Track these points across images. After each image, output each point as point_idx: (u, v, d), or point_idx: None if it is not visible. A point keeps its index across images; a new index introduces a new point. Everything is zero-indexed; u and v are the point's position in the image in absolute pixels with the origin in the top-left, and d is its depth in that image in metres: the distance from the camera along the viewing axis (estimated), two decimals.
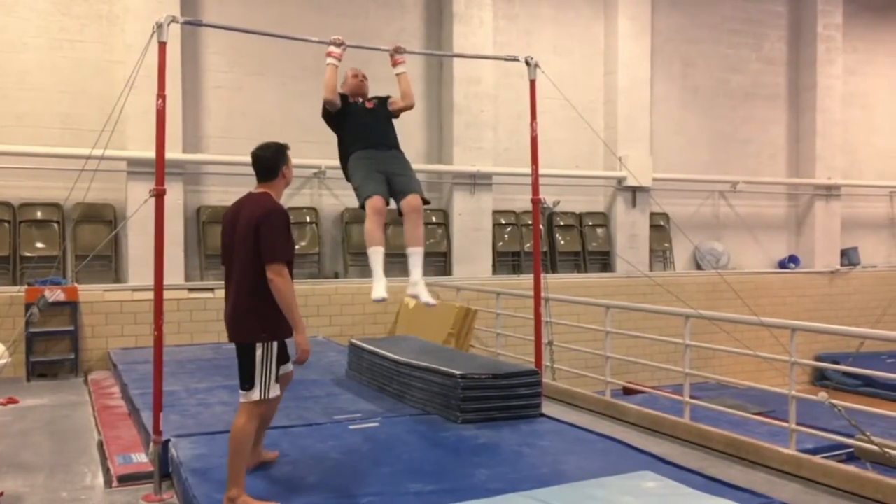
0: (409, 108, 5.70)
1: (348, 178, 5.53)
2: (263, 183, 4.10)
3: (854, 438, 5.72)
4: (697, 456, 5.19)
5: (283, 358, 4.11)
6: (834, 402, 4.82)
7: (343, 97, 5.53)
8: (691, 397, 6.46)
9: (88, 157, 5.30)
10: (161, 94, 4.44)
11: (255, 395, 3.89)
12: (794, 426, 5.22)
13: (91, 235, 8.88)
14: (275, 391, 3.98)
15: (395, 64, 5.68)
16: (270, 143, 4.16)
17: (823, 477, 4.63)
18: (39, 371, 8.27)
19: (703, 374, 7.29)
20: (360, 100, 5.57)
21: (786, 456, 4.89)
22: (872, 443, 5.13)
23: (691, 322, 7.20)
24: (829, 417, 6.05)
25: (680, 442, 5.56)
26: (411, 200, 5.30)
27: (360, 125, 5.44)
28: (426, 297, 5.24)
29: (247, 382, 3.90)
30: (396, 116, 5.68)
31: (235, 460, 3.83)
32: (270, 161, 4.08)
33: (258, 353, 3.87)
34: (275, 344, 3.94)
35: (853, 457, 5.95)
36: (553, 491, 3.82)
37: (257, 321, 3.88)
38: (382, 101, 5.68)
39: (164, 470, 4.58)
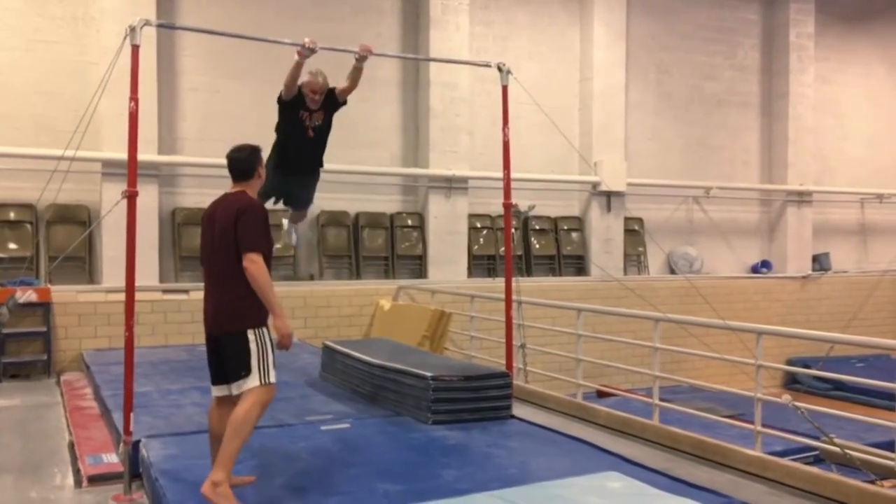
0: (353, 89, 5.94)
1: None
2: (239, 183, 4.19)
3: (819, 441, 5.83)
4: (665, 457, 5.27)
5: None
6: (797, 404, 4.93)
7: (297, 98, 5.75)
8: (664, 400, 6.55)
9: (62, 158, 5.30)
10: (133, 97, 4.46)
11: (255, 380, 3.87)
12: (759, 428, 5.32)
13: (64, 236, 8.84)
14: (274, 376, 3.96)
15: (358, 58, 5.77)
16: (244, 145, 4.25)
17: (787, 478, 4.73)
18: (11, 372, 8.22)
19: (673, 377, 7.39)
20: (305, 119, 5.81)
21: (751, 457, 4.99)
22: (835, 444, 5.24)
23: (664, 326, 7.29)
24: (799, 421, 6.15)
25: (648, 444, 5.63)
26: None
27: (295, 151, 5.89)
28: None
29: (242, 369, 3.89)
30: (344, 103, 5.97)
31: (231, 443, 3.78)
32: (246, 162, 4.18)
33: (251, 339, 3.90)
34: (265, 330, 3.97)
35: (820, 459, 6.06)
36: (519, 491, 3.89)
37: (245, 310, 3.93)
38: (328, 116, 5.92)
39: (135, 470, 4.59)
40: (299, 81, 5.68)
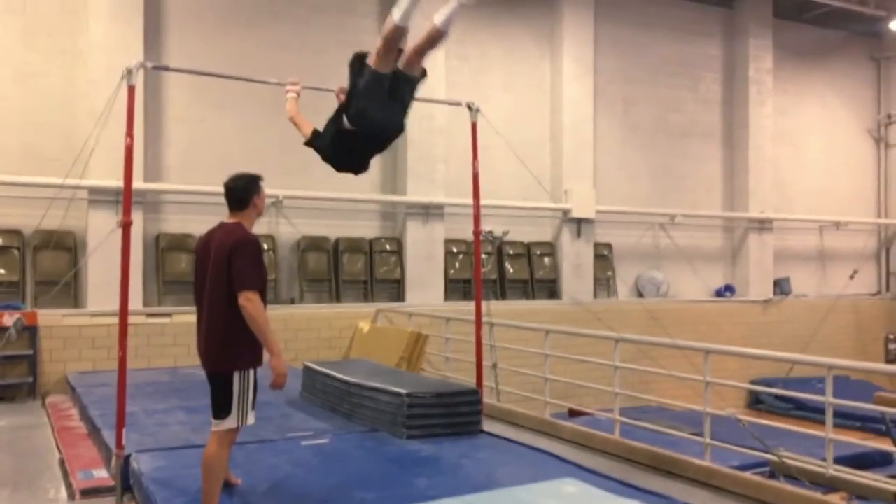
0: None
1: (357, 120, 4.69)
2: (235, 213, 4.22)
3: (767, 454, 6.24)
4: (623, 468, 5.65)
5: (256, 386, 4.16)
6: (739, 416, 5.35)
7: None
8: (634, 419, 6.96)
9: (61, 186, 5.63)
10: (129, 134, 4.82)
11: (232, 422, 4.01)
12: (708, 440, 5.73)
13: (51, 262, 9.10)
14: (251, 419, 4.11)
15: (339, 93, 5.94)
16: (243, 173, 4.27)
17: (732, 485, 5.16)
18: None
19: (635, 395, 7.76)
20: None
21: (699, 467, 5.41)
22: (778, 456, 5.66)
23: (635, 349, 7.67)
24: (762, 439, 6.55)
25: (609, 456, 6.03)
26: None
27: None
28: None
29: (222, 411, 4.01)
30: None
31: (209, 487, 4.00)
32: (242, 191, 4.21)
33: (236, 382, 3.99)
34: (251, 372, 4.04)
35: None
36: (484, 496, 4.26)
37: (234, 351, 3.98)
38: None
39: (125, 483, 4.88)
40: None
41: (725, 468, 5.28)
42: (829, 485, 5.34)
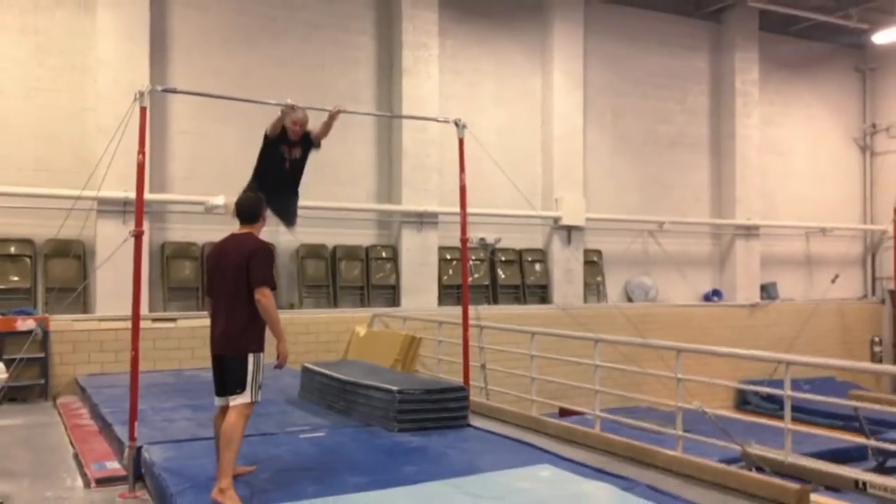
0: (324, 137, 6.43)
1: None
2: (246, 225, 4.96)
3: (735, 444, 6.61)
4: (600, 458, 6.02)
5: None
6: (706, 409, 5.75)
7: (281, 134, 6.19)
8: (622, 418, 7.37)
9: (78, 198, 6.04)
10: (141, 151, 5.24)
11: (247, 397, 4.68)
12: (680, 433, 6.14)
13: (61, 269, 9.53)
14: (259, 396, 4.76)
15: (330, 118, 6.41)
16: (251, 193, 5.13)
17: (699, 473, 5.53)
18: (10, 395, 8.81)
19: (614, 392, 8.14)
20: (285, 152, 6.21)
21: (670, 457, 5.80)
22: (742, 446, 6.06)
23: (623, 351, 8.02)
24: (748, 434, 6.91)
25: (588, 448, 6.41)
26: None
27: (273, 180, 6.20)
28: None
29: (238, 387, 4.67)
30: (318, 147, 6.44)
31: (227, 454, 4.56)
32: (253, 207, 5.00)
33: (251, 363, 4.67)
34: (261, 355, 4.74)
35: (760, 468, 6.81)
36: (465, 479, 4.67)
37: (250, 337, 4.70)
38: (305, 151, 6.32)
39: (137, 472, 5.29)
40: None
41: (693, 458, 5.66)
42: (789, 473, 5.74)
